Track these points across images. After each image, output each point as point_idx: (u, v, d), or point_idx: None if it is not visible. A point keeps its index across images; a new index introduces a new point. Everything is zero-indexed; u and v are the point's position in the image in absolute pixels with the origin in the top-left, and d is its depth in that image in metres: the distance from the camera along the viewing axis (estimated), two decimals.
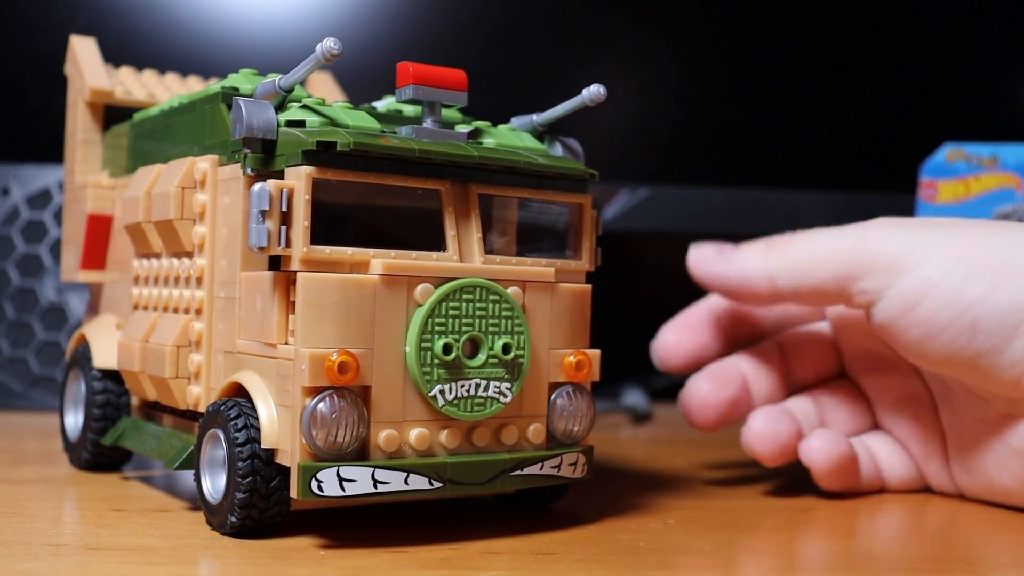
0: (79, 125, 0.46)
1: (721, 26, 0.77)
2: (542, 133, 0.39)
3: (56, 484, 0.42)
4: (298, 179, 0.32)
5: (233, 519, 0.33)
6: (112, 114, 0.46)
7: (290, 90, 0.34)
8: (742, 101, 0.77)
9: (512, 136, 0.38)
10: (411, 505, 0.38)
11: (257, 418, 0.33)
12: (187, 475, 0.47)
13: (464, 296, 0.33)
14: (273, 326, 0.33)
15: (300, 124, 0.33)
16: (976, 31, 0.78)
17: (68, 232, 0.47)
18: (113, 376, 0.43)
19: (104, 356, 0.43)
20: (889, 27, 0.78)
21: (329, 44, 0.31)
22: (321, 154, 0.32)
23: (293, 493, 0.32)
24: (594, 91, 0.36)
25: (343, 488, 0.31)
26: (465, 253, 0.34)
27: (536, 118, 0.38)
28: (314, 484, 0.31)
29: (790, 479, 0.47)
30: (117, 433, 0.42)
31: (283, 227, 0.32)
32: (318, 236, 0.32)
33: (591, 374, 0.36)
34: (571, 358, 0.36)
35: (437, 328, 0.33)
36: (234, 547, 0.33)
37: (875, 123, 0.78)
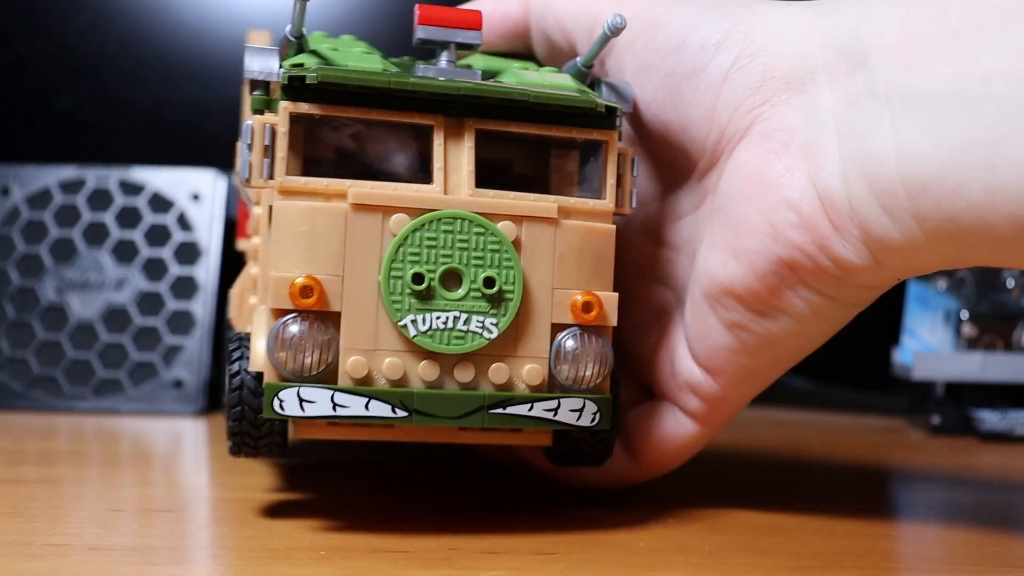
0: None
1: None
2: (590, 76, 0.38)
3: (56, 484, 0.42)
4: (280, 113, 0.33)
5: (230, 444, 0.35)
6: None
7: (299, 36, 0.35)
8: None
9: (541, 76, 0.37)
10: (411, 505, 0.38)
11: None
12: (186, 475, 0.47)
13: (443, 227, 0.33)
14: (268, 256, 0.34)
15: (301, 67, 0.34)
16: None
17: None
18: None
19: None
20: None
21: None
22: (299, 89, 0.33)
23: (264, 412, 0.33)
24: (612, 21, 0.35)
25: (303, 408, 0.32)
26: (452, 186, 0.34)
27: (579, 60, 0.38)
28: (276, 403, 0.32)
29: (790, 480, 0.47)
30: None
31: (266, 160, 0.33)
32: (300, 168, 0.33)
33: (602, 316, 0.34)
34: (578, 298, 0.34)
35: (410, 258, 0.33)
36: (234, 548, 0.33)
37: None
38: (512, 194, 0.34)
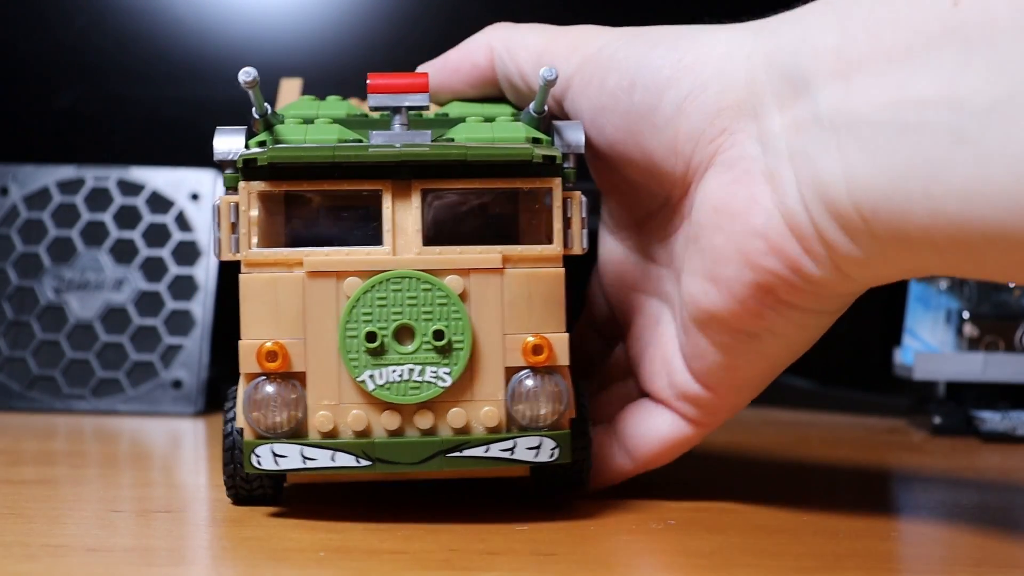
0: None
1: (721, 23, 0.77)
2: (545, 119, 0.39)
3: (55, 485, 0.42)
4: (240, 192, 0.36)
5: (226, 491, 0.38)
6: None
7: (263, 114, 0.37)
8: None
9: (493, 128, 0.38)
10: (411, 506, 0.38)
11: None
12: (185, 475, 0.47)
13: (392, 287, 0.35)
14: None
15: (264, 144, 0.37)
16: None
17: None
18: None
19: None
20: None
21: (241, 76, 0.36)
22: (254, 169, 0.35)
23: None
24: (544, 73, 0.37)
25: (277, 463, 0.35)
26: (400, 247, 0.36)
27: (531, 107, 0.39)
28: (254, 458, 0.35)
29: (791, 480, 0.47)
30: None
31: (233, 236, 0.36)
32: (262, 241, 0.36)
33: (553, 357, 0.36)
34: (529, 340, 0.36)
35: (363, 318, 0.35)
36: (233, 548, 0.33)
37: None
38: (459, 249, 0.36)
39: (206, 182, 0.65)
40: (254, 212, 0.36)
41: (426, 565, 0.31)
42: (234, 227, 0.36)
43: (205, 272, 0.64)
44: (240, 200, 0.36)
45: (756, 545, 0.34)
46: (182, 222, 0.65)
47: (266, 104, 0.38)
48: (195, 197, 0.65)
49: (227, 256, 0.36)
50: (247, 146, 0.37)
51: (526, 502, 0.40)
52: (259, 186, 0.36)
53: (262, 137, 0.37)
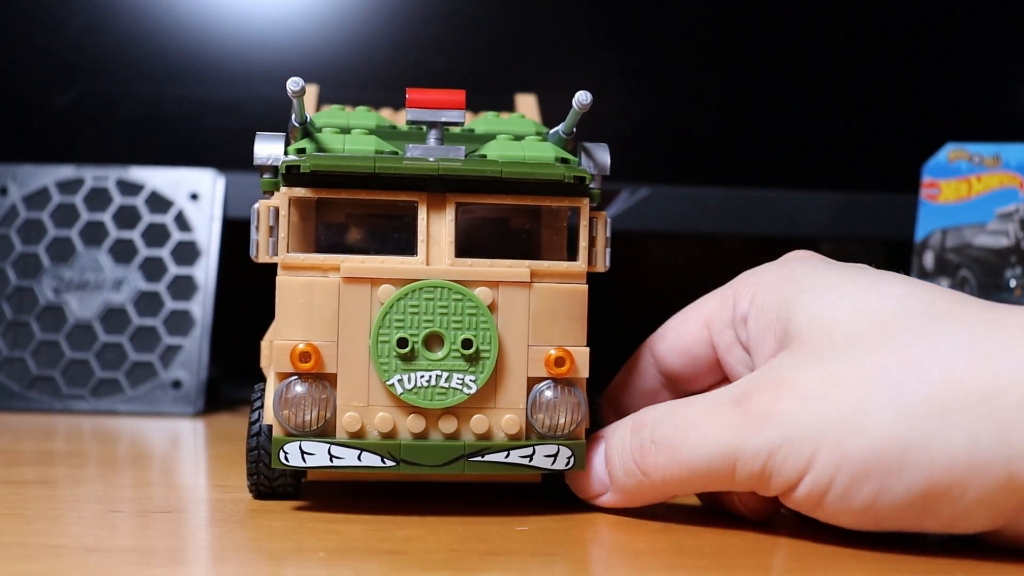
0: None
1: (721, 24, 0.77)
2: (571, 141, 0.40)
3: (54, 485, 0.42)
4: (280, 197, 0.37)
5: (249, 484, 0.39)
6: None
7: (303, 122, 0.38)
8: (742, 100, 0.77)
9: (523, 148, 0.39)
10: (411, 506, 0.38)
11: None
12: (185, 475, 0.47)
13: (424, 296, 0.36)
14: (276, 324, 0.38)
15: (303, 152, 0.38)
16: (978, 29, 0.78)
17: None
18: None
19: None
20: (890, 25, 0.78)
21: (290, 85, 0.36)
22: (295, 176, 0.36)
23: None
24: (579, 97, 0.38)
25: (304, 460, 0.36)
26: (433, 257, 0.37)
27: (560, 129, 0.40)
28: (281, 455, 0.36)
29: None
30: None
31: (271, 239, 0.37)
32: (300, 245, 0.37)
33: (574, 369, 0.37)
34: (552, 352, 0.37)
35: (395, 324, 0.36)
36: (233, 549, 0.33)
37: (876, 122, 0.78)
38: (489, 261, 0.37)
39: (205, 182, 0.65)
40: (293, 217, 0.37)
41: (426, 565, 0.31)
42: (271, 230, 0.37)
43: (204, 272, 0.64)
44: (280, 205, 0.37)
45: (756, 545, 0.34)
46: (181, 222, 0.65)
47: (306, 113, 0.38)
48: (194, 197, 0.65)
49: (264, 258, 0.38)
50: (286, 152, 0.38)
51: (526, 502, 0.40)
52: (299, 192, 0.37)
53: (301, 144, 0.38)
